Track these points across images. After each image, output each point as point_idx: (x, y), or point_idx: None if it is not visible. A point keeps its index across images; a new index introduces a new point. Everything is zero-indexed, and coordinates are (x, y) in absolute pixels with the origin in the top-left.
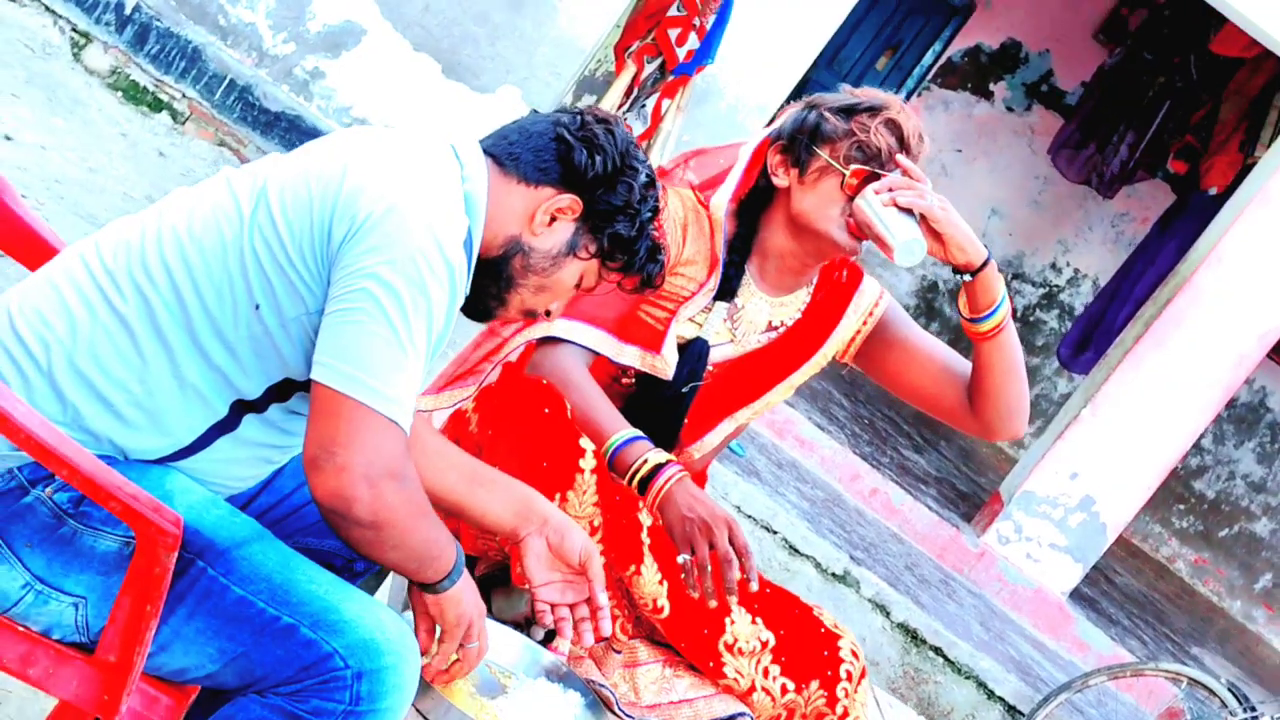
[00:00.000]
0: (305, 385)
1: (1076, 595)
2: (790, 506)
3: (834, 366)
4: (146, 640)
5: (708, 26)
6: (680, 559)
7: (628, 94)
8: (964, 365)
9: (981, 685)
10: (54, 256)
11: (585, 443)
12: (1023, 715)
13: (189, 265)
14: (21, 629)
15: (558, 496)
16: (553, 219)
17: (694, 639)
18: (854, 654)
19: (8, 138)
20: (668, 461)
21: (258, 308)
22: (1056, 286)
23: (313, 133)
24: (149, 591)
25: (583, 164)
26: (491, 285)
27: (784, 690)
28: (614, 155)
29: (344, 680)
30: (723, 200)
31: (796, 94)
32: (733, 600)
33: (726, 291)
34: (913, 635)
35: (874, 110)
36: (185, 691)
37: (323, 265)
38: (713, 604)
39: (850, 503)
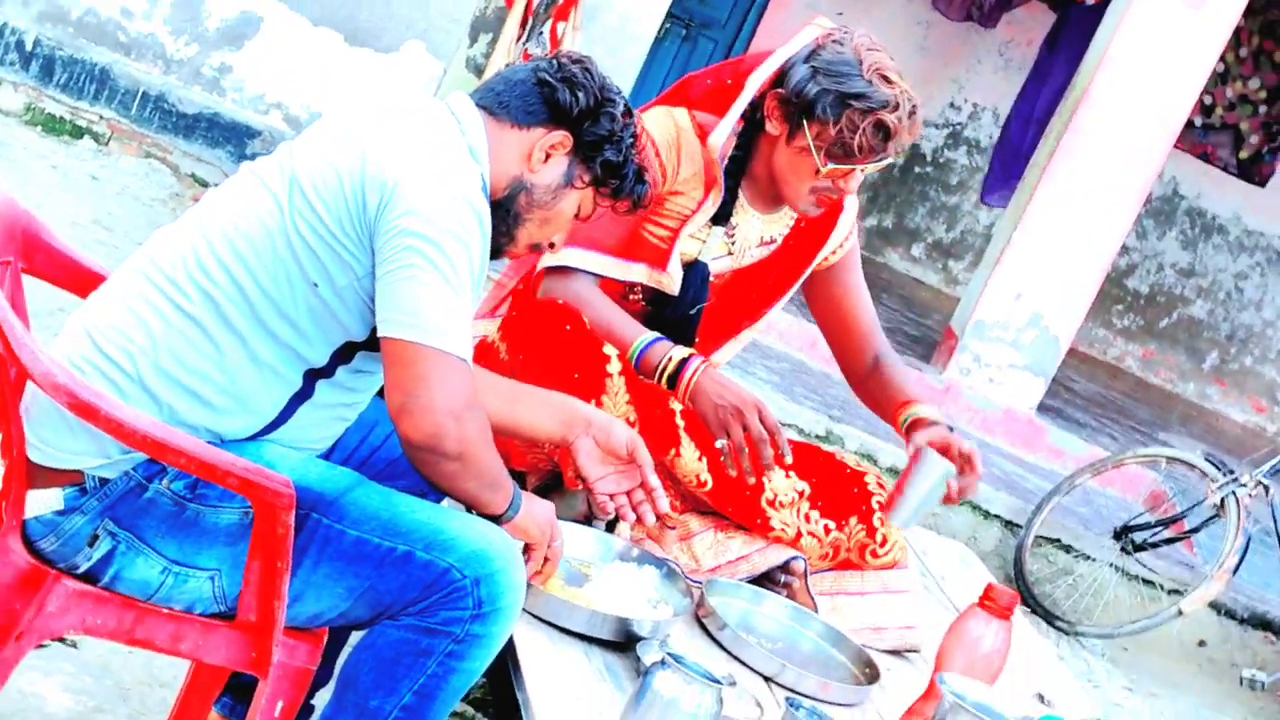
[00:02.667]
0: (365, 345)
1: (1043, 408)
2: (762, 383)
3: None
4: (284, 595)
5: None
6: (718, 444)
7: (523, 25)
8: (876, 333)
9: (976, 508)
10: (100, 282)
11: (609, 349)
12: (1019, 527)
13: (243, 258)
14: (167, 611)
15: (593, 402)
16: (547, 155)
17: (739, 502)
18: (880, 485)
19: None
20: (691, 355)
21: (315, 285)
22: (959, 124)
23: (232, 127)
24: (277, 551)
25: (567, 102)
26: (501, 224)
27: (827, 530)
28: (594, 90)
29: (464, 589)
30: (722, 136)
31: None
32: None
33: (724, 215)
34: None
35: (869, 109)
36: (318, 636)
37: (364, 234)
38: (751, 480)
39: (815, 368)
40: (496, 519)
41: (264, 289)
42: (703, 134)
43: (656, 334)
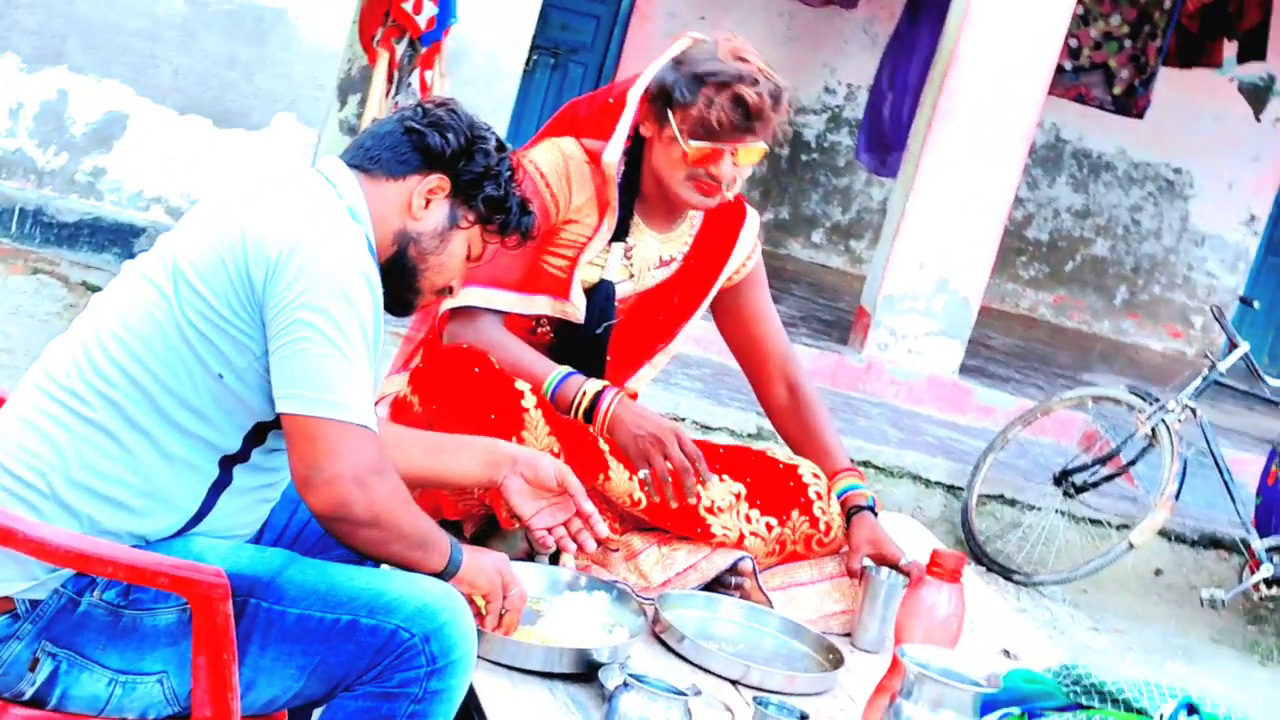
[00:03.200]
0: (274, 423)
1: (965, 370)
2: (686, 390)
3: None
4: (235, 686)
5: None
6: (640, 475)
7: (390, 79)
8: (790, 359)
9: (916, 478)
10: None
11: (521, 384)
12: (961, 489)
13: (137, 356)
14: None
15: (514, 439)
16: (428, 201)
17: (676, 515)
18: (815, 475)
19: None
20: (605, 387)
21: (215, 372)
22: (837, 107)
23: (115, 229)
24: (220, 642)
25: (438, 145)
26: (399, 280)
27: (769, 528)
28: (462, 129)
29: (415, 647)
30: (614, 153)
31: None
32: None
33: (620, 232)
34: None
35: (723, 83)
36: (277, 717)
37: (254, 312)
38: (674, 505)
39: (735, 368)
40: (440, 575)
41: (164, 384)
42: (593, 158)
43: (567, 369)
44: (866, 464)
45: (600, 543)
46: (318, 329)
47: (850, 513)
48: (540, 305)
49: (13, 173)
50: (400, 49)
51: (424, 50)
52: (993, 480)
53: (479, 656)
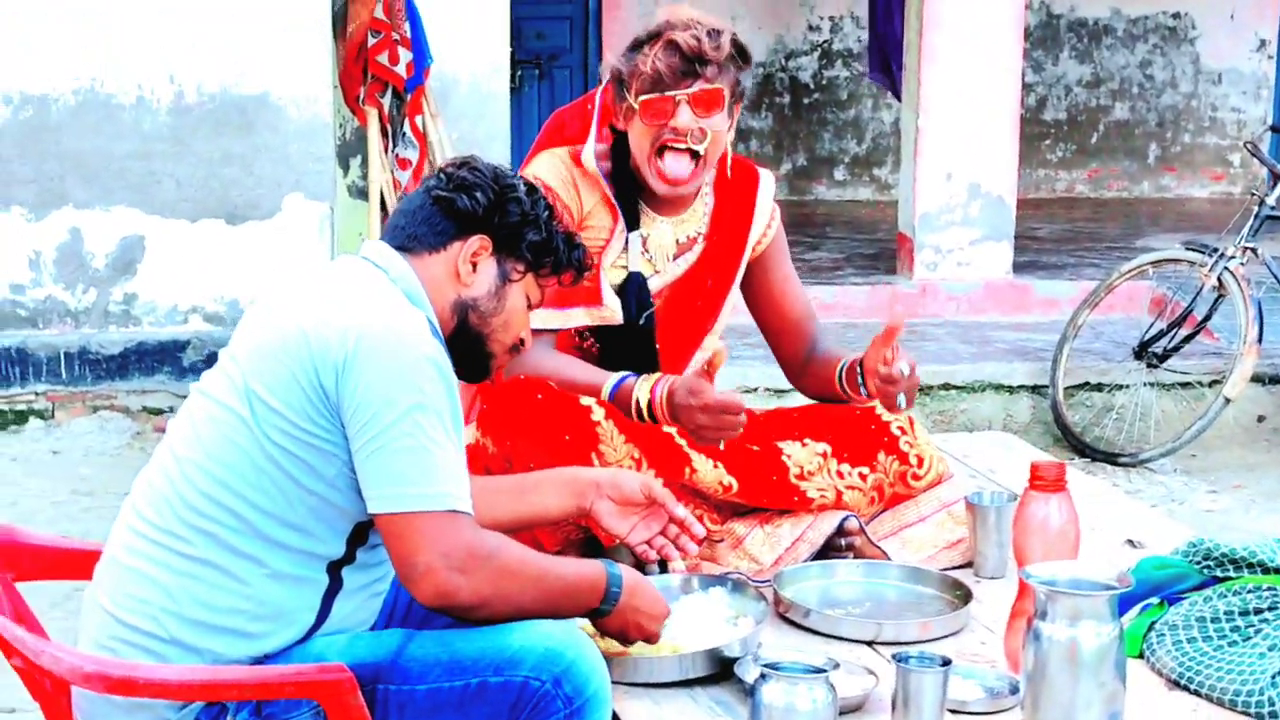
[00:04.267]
0: (371, 521)
1: (1018, 268)
2: (750, 359)
3: None
4: None
5: (408, 34)
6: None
7: (384, 134)
8: (811, 322)
9: (999, 387)
10: (93, 556)
11: (586, 399)
12: (1046, 388)
13: (226, 484)
14: None
15: (594, 455)
16: (474, 265)
17: (770, 490)
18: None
19: None
20: (652, 385)
21: (306, 486)
22: (825, 42)
23: (160, 349)
24: None
25: (468, 206)
26: (470, 350)
27: (863, 478)
28: (487, 184)
29: (549, 693)
30: (590, 152)
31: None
32: (781, 443)
33: (632, 224)
34: (919, 389)
35: (655, 35)
36: None
37: (332, 418)
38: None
39: None
40: (598, 611)
41: (258, 506)
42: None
43: (617, 378)
44: (946, 385)
45: (700, 542)
46: (393, 425)
47: (858, 363)
48: (577, 317)
49: (48, 320)
50: (387, 102)
51: (410, 97)
52: (1074, 370)
53: (614, 681)
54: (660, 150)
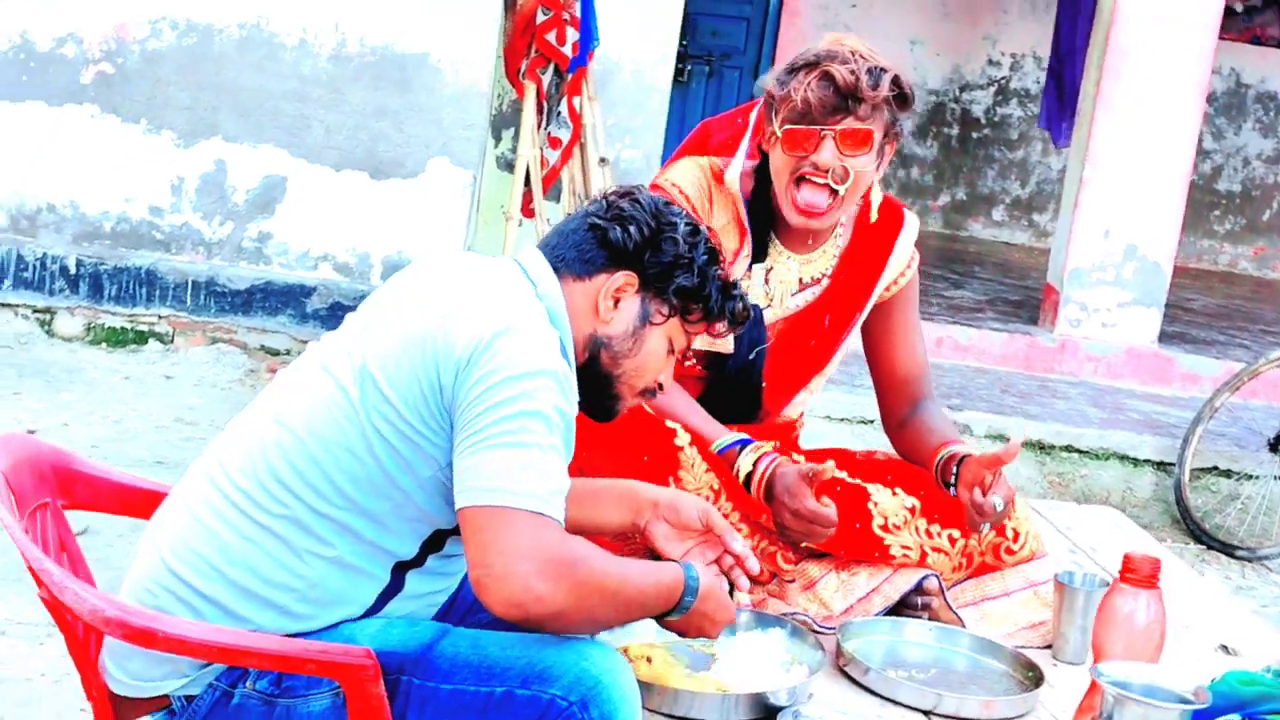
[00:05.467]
0: (454, 530)
1: (1165, 338)
2: (868, 390)
3: None
4: None
5: (578, 14)
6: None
7: (540, 111)
8: (925, 378)
9: (1123, 458)
10: (148, 496)
11: (671, 423)
12: (1172, 465)
13: (318, 462)
14: None
15: (671, 480)
16: (616, 300)
17: (850, 538)
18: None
19: (31, 431)
20: (756, 460)
21: (398, 482)
22: (1003, 79)
23: (286, 291)
24: None
25: (619, 239)
26: (596, 388)
27: (952, 541)
28: (645, 219)
29: (574, 715)
30: (736, 171)
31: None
32: (871, 487)
33: (759, 254)
34: (1040, 447)
35: (811, 64)
36: None
37: (443, 419)
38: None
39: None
40: (672, 613)
41: (344, 491)
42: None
43: (731, 439)
44: (1069, 448)
45: (758, 579)
46: (499, 422)
47: (958, 463)
48: (696, 342)
49: (181, 246)
50: (547, 79)
51: (570, 77)
52: (1205, 452)
53: (651, 710)
54: (798, 180)
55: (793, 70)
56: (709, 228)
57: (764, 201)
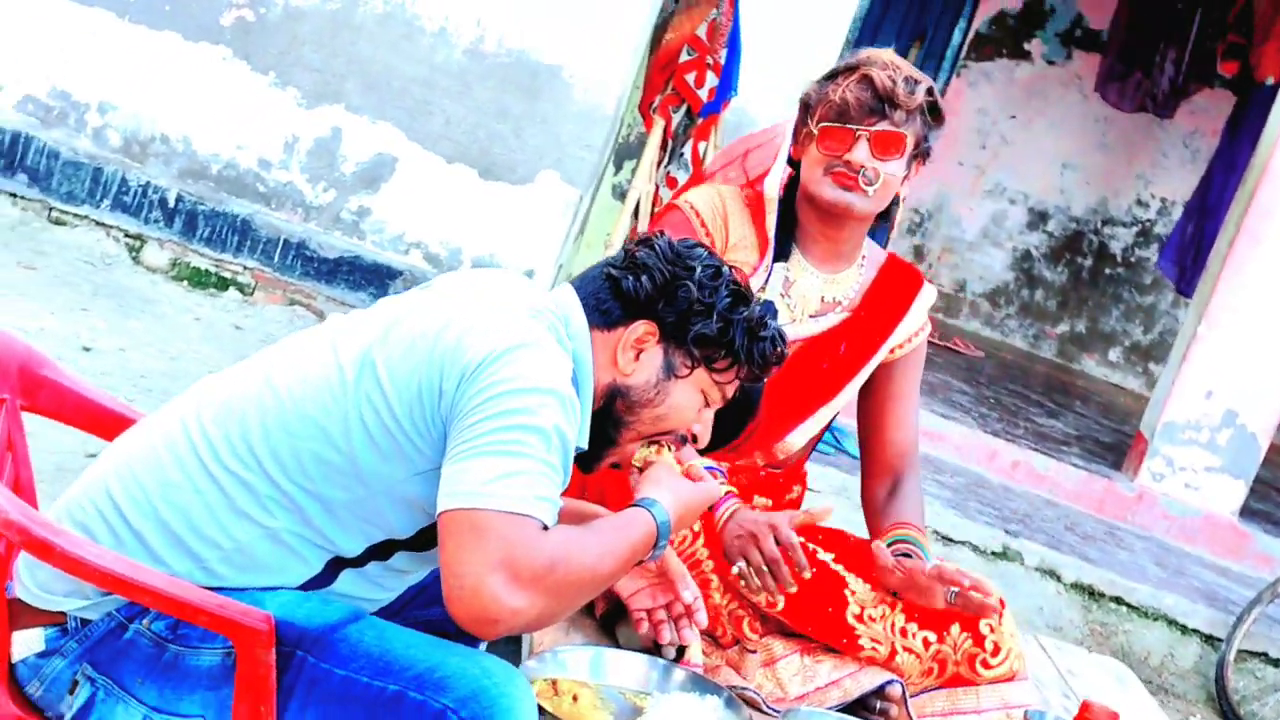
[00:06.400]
0: (408, 544)
1: (1246, 513)
2: (931, 499)
3: None
4: None
5: (721, 61)
6: (733, 570)
7: (663, 148)
8: (907, 456)
9: (1172, 623)
10: (113, 419)
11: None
12: (1220, 641)
13: (291, 434)
14: None
15: None
16: (638, 351)
17: (820, 620)
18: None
19: (86, 349)
20: (723, 497)
21: (365, 475)
22: (1148, 221)
23: (374, 269)
24: (258, 693)
25: (632, 289)
26: (602, 431)
27: (926, 644)
28: (659, 267)
29: None
30: (776, 178)
31: None
32: (851, 575)
33: (782, 255)
34: (1089, 592)
35: (852, 68)
36: None
37: (433, 426)
38: (764, 598)
39: (995, 481)
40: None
41: (305, 469)
42: (750, 198)
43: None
44: (1119, 600)
45: (723, 644)
46: (495, 431)
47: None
48: None
49: (281, 204)
50: (677, 118)
51: (700, 121)
52: (1257, 635)
53: None
54: (829, 174)
55: (831, 76)
56: (733, 267)
57: (790, 213)
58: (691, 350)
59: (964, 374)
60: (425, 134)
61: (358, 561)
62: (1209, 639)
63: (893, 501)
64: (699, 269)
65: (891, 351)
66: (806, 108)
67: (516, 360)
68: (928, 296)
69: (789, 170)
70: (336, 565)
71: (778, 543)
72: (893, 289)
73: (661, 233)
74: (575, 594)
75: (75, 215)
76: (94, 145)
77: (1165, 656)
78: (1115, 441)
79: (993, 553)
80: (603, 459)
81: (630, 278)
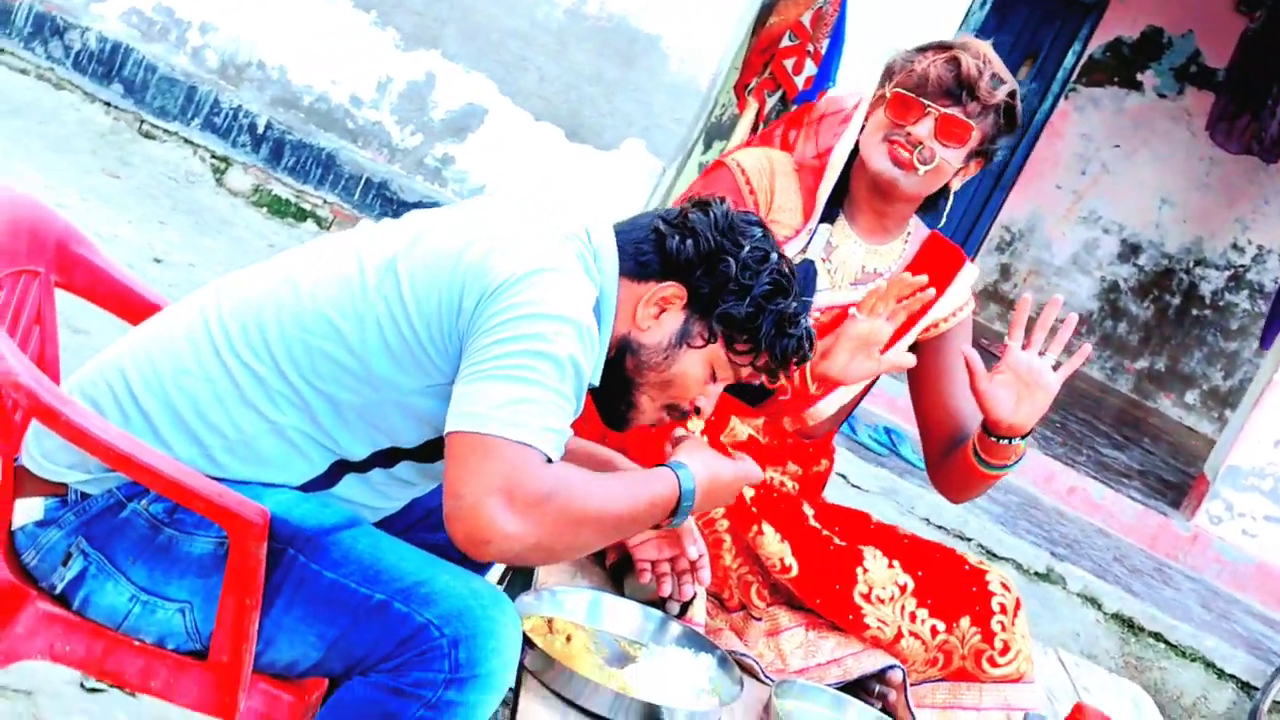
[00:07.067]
0: (414, 454)
1: None
2: (981, 513)
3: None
4: (251, 634)
5: (822, 51)
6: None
7: (754, 131)
8: (970, 422)
9: (1210, 665)
10: (143, 305)
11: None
12: (1256, 689)
13: (306, 330)
14: (137, 643)
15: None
16: (660, 310)
17: (828, 595)
18: (1004, 586)
19: (157, 260)
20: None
21: (376, 380)
22: (1242, 266)
23: None
24: (246, 585)
25: (674, 249)
26: (615, 389)
27: (934, 632)
28: (708, 235)
29: (440, 649)
30: (843, 149)
31: None
32: (867, 549)
33: (828, 216)
34: (1129, 624)
35: (944, 46)
36: (305, 688)
37: (449, 341)
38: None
39: (1047, 503)
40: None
41: (316, 368)
42: (802, 165)
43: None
44: (1158, 636)
45: (730, 607)
46: (508, 355)
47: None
48: None
49: (368, 142)
50: (771, 102)
51: (795, 109)
52: None
53: (547, 686)
54: (887, 141)
55: (922, 49)
56: (783, 256)
57: (844, 179)
58: (713, 325)
59: None
60: (517, 89)
61: (362, 466)
62: (1245, 686)
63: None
64: (747, 248)
65: (935, 327)
66: (890, 74)
67: (539, 284)
68: (969, 274)
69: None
70: (340, 468)
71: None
72: (935, 265)
73: (723, 199)
74: (573, 531)
75: (165, 131)
76: (191, 64)
77: (1199, 698)
78: (1178, 482)
79: (1036, 573)
80: (627, 419)
81: (677, 237)
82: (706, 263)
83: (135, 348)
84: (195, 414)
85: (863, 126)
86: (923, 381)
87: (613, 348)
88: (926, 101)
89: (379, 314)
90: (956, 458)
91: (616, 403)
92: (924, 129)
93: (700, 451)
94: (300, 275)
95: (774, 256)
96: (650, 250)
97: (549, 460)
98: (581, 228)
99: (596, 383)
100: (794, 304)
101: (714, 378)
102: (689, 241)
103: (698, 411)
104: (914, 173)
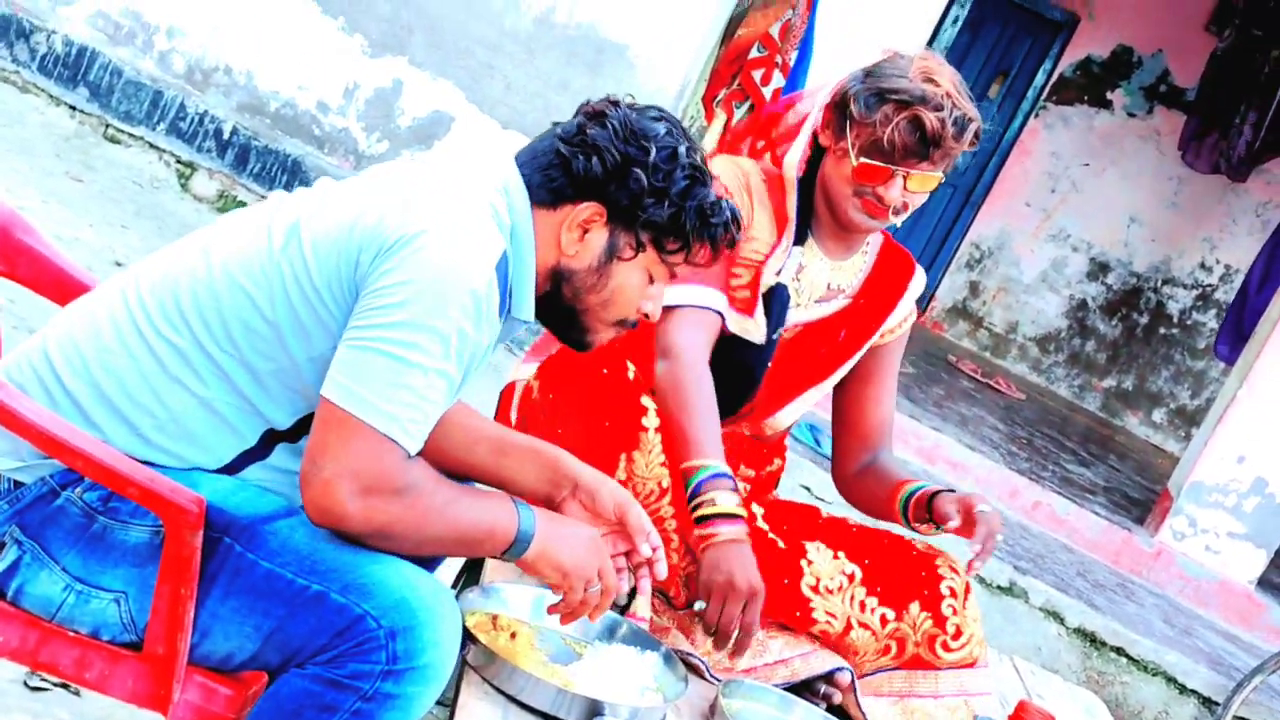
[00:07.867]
0: None
1: (1264, 584)
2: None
3: None
4: (187, 625)
5: (791, 63)
6: (696, 605)
7: (721, 141)
8: (885, 434)
9: (1171, 680)
10: (83, 292)
11: (648, 401)
12: (1217, 705)
13: (219, 299)
14: (72, 633)
15: (624, 457)
16: (583, 233)
17: (774, 591)
18: (953, 569)
19: (118, 264)
20: (736, 516)
21: (289, 344)
22: (1209, 285)
23: None
24: (181, 574)
25: (582, 169)
26: (561, 319)
27: (884, 621)
28: (612, 145)
29: (378, 640)
30: (796, 156)
31: None
32: (810, 544)
33: (799, 239)
34: (1091, 639)
35: (904, 104)
36: (244, 682)
37: (349, 296)
38: (706, 647)
39: (1011, 517)
40: (506, 555)
41: (232, 336)
42: (770, 175)
43: (723, 468)
44: (1119, 651)
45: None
46: (392, 327)
47: (928, 499)
48: (732, 322)
49: (334, 149)
50: (739, 114)
51: (762, 117)
52: (1255, 704)
53: (489, 681)
54: (856, 193)
55: (883, 99)
56: (691, 145)
57: (808, 194)
58: (639, 234)
59: (1000, 413)
60: (484, 97)
61: (291, 435)
62: (1207, 701)
63: (880, 469)
64: (654, 150)
65: (881, 336)
66: (845, 109)
67: (432, 245)
68: (919, 283)
69: (808, 150)
70: (270, 438)
71: (743, 616)
72: (890, 275)
73: (617, 103)
74: (413, 531)
75: (130, 135)
76: (158, 68)
77: (1160, 712)
78: (1143, 498)
79: (999, 587)
80: (585, 343)
81: (581, 158)
82: (617, 176)
83: (59, 332)
84: (122, 394)
85: (821, 148)
86: (856, 385)
87: (546, 280)
88: (894, 167)
89: (284, 277)
90: (879, 502)
91: (568, 330)
92: (895, 190)
93: (561, 518)
94: (214, 246)
95: (682, 150)
96: (559, 175)
97: (410, 456)
98: (495, 174)
99: (529, 319)
100: (710, 190)
101: (651, 281)
102: (594, 160)
103: (646, 317)
104: (887, 219)
